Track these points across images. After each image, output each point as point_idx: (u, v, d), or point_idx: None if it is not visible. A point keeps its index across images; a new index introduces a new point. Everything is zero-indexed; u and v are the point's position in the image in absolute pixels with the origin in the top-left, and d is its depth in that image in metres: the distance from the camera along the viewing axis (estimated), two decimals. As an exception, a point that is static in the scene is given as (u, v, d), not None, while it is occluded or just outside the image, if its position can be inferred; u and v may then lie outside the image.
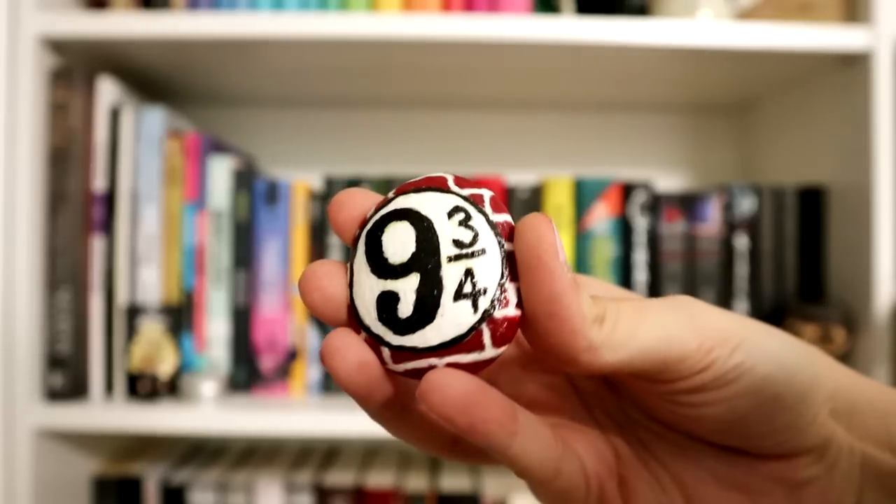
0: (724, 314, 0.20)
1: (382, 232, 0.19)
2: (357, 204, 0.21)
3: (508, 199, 0.71)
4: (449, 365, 0.18)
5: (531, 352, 0.24)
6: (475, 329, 0.18)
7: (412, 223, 0.19)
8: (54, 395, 0.64)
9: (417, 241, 0.19)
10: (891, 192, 0.66)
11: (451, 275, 0.18)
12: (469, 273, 0.18)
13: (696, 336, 0.19)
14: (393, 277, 0.19)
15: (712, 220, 0.72)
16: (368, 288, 0.19)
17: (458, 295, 0.18)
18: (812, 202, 0.74)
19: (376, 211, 0.20)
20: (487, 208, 0.20)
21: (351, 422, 0.63)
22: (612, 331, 0.19)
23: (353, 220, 0.21)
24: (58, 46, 0.67)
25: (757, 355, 0.20)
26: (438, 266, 0.18)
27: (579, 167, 0.94)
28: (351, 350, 0.19)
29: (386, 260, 0.19)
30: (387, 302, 0.19)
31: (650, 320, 0.19)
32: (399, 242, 0.19)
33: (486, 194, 0.20)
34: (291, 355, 0.70)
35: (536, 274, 0.18)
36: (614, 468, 0.22)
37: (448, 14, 0.68)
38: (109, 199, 0.68)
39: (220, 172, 0.70)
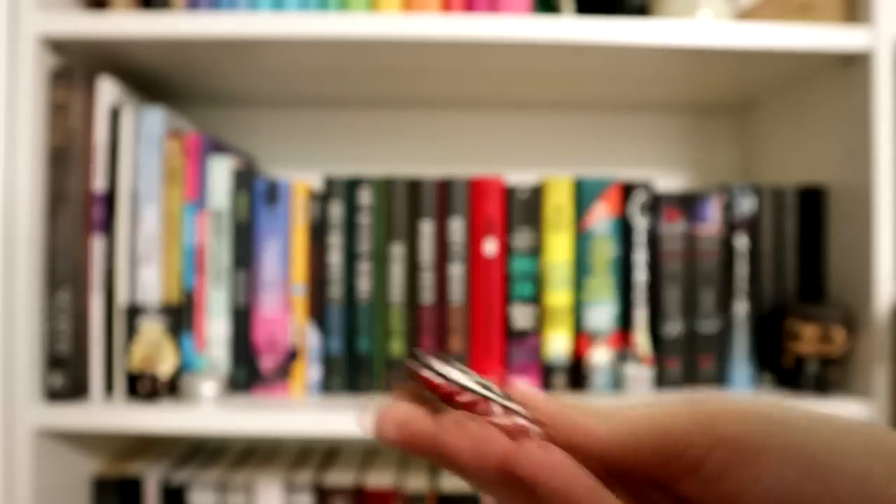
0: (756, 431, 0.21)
1: None
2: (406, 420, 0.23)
3: (508, 199, 0.71)
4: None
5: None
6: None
7: None
8: (54, 395, 0.64)
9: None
10: (891, 192, 0.66)
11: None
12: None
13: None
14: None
15: (712, 220, 0.72)
16: None
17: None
18: (812, 202, 0.74)
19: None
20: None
21: (351, 422, 0.63)
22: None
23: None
24: (58, 46, 0.67)
25: (781, 468, 0.20)
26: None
27: (579, 167, 0.94)
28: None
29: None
30: None
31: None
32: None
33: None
34: (291, 355, 0.70)
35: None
36: None
37: (448, 14, 0.68)
38: (109, 199, 0.68)
39: (220, 172, 0.70)
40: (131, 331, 0.67)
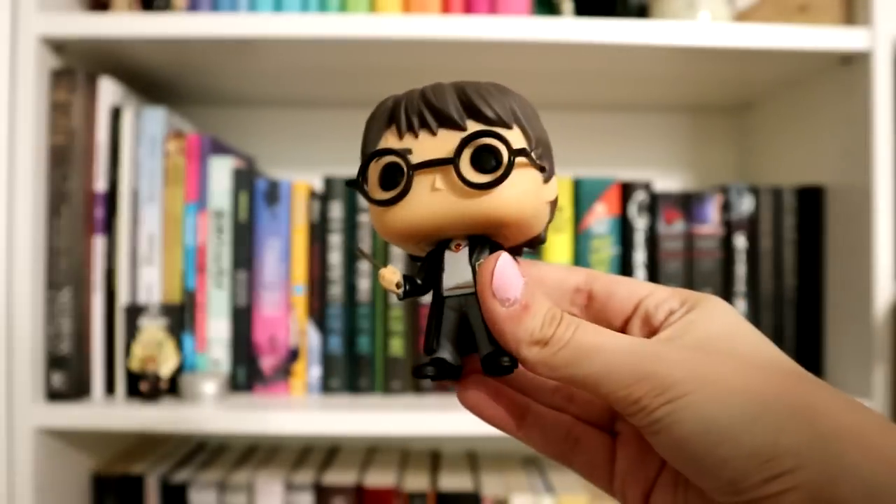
0: (704, 364, 0.21)
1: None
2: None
3: (508, 199, 0.71)
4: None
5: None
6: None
7: None
8: (55, 394, 0.65)
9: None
10: (889, 192, 0.66)
11: None
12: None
13: (631, 381, 0.21)
14: None
15: (711, 220, 0.73)
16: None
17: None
18: (811, 202, 0.74)
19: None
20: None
21: (351, 421, 0.63)
22: (553, 354, 0.23)
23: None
24: (59, 47, 0.67)
25: (683, 413, 0.20)
26: None
27: (579, 167, 0.94)
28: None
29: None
30: None
31: (599, 358, 0.22)
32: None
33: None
34: (292, 355, 0.70)
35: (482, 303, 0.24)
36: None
37: (448, 16, 0.68)
38: (110, 199, 0.68)
39: (221, 173, 0.70)
40: (132, 330, 0.67)
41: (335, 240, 0.70)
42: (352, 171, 0.82)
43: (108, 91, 0.68)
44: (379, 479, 0.75)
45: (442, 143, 0.24)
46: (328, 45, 0.67)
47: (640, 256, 0.72)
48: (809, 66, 0.74)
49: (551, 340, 0.23)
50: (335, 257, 0.70)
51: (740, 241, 0.73)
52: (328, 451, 0.87)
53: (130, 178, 0.68)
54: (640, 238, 0.72)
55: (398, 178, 0.24)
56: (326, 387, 0.70)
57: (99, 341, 0.67)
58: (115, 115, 0.68)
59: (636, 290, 0.26)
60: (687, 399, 0.20)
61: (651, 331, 0.25)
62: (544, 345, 0.23)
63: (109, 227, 0.68)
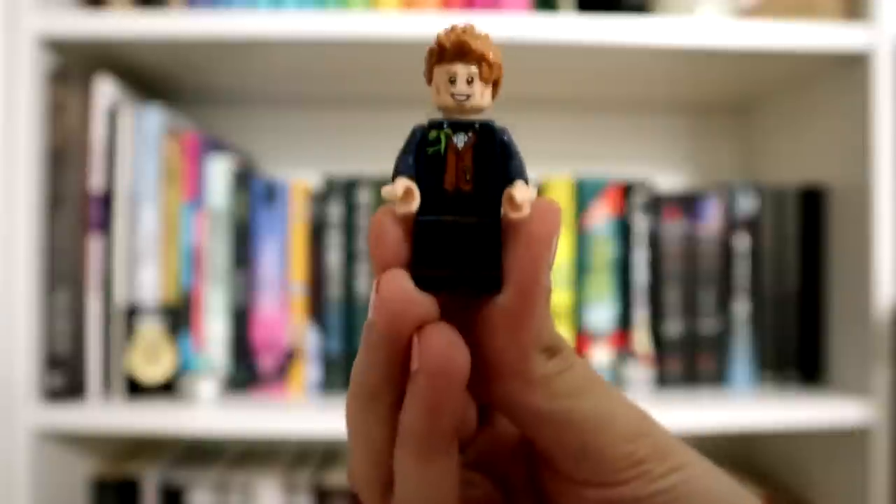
0: (677, 440, 0.20)
1: None
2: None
3: (508, 198, 0.71)
4: None
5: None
6: None
7: None
8: (52, 395, 0.64)
9: None
10: (891, 192, 0.66)
11: None
12: None
13: (633, 435, 0.18)
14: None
15: (712, 220, 0.72)
16: None
17: None
18: (812, 202, 0.74)
19: None
20: None
21: (350, 422, 0.63)
22: (558, 375, 0.18)
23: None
24: (56, 46, 0.67)
25: (696, 485, 0.19)
26: None
27: (579, 167, 0.94)
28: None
29: None
30: None
31: (600, 394, 0.19)
32: None
33: None
34: (290, 355, 0.70)
35: (530, 257, 0.19)
36: None
37: (447, 12, 0.67)
38: (107, 199, 0.67)
39: (219, 172, 0.70)
40: (129, 331, 0.67)
41: (334, 239, 0.70)
42: (351, 170, 0.81)
43: (105, 90, 0.67)
44: (378, 480, 0.74)
45: None
46: (327, 44, 0.67)
47: (640, 257, 0.71)
48: (811, 66, 0.73)
49: (560, 355, 0.19)
50: (334, 257, 0.69)
51: (742, 242, 0.72)
52: (327, 453, 0.86)
53: (127, 177, 0.68)
54: (640, 238, 0.71)
55: None
56: (325, 387, 0.70)
57: (96, 341, 0.67)
58: (112, 114, 0.68)
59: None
60: (689, 470, 0.19)
61: None
62: (552, 355, 0.19)
63: (106, 227, 0.67)
